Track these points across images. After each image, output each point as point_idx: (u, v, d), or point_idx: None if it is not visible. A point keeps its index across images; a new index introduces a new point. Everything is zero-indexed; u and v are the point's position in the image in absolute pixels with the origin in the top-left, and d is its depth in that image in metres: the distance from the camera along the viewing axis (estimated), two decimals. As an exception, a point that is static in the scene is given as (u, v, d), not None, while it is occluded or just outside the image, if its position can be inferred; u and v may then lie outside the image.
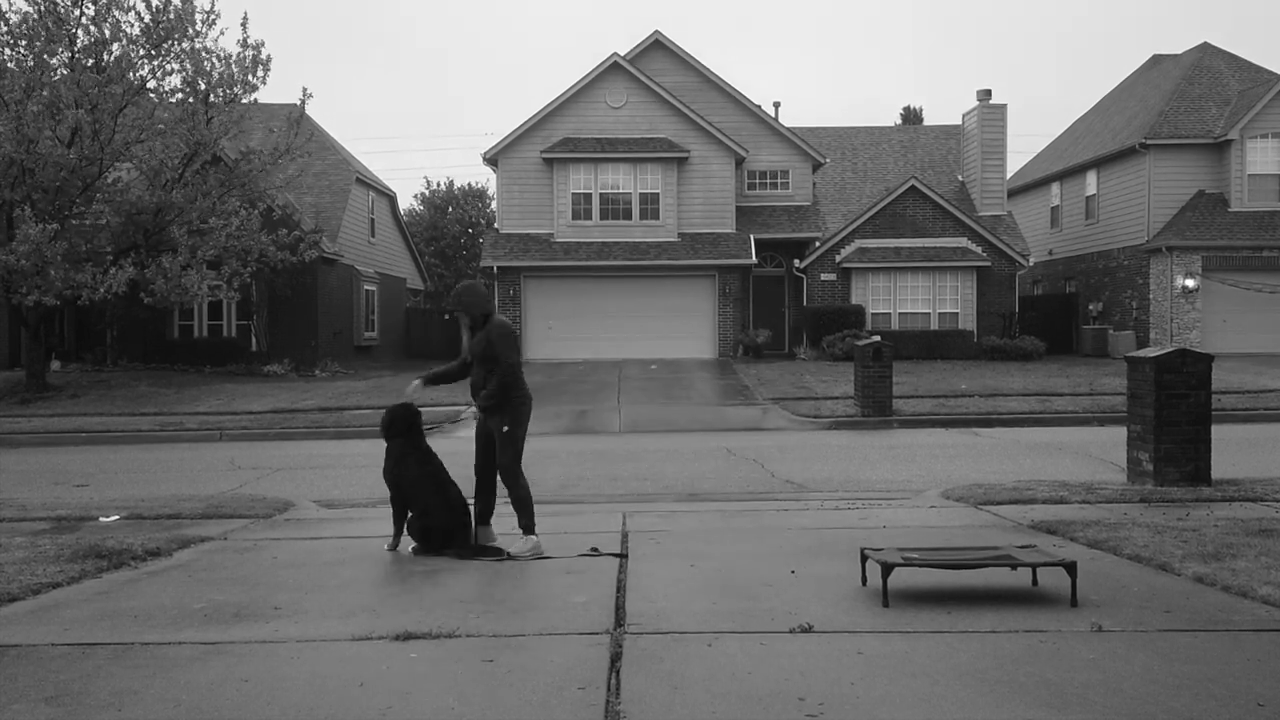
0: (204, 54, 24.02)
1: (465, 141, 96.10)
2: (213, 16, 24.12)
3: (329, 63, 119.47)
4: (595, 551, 7.29)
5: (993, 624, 5.32)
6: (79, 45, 23.41)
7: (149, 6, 23.51)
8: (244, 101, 24.73)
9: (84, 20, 23.35)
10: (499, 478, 7.47)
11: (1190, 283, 30.11)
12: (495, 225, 33.71)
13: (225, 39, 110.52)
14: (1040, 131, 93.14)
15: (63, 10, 23.03)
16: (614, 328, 30.60)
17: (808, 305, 30.64)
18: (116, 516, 9.23)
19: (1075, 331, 34.85)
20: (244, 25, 24.50)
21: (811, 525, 8.38)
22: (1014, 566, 5.94)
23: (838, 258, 30.54)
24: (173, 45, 23.77)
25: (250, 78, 24.43)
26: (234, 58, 24.31)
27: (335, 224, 32.09)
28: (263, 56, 24.51)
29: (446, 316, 39.69)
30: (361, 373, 29.68)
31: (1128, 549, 6.99)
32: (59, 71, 23.01)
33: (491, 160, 31.42)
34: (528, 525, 7.35)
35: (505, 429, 7.31)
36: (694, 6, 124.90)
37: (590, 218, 30.76)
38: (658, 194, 30.75)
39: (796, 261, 31.04)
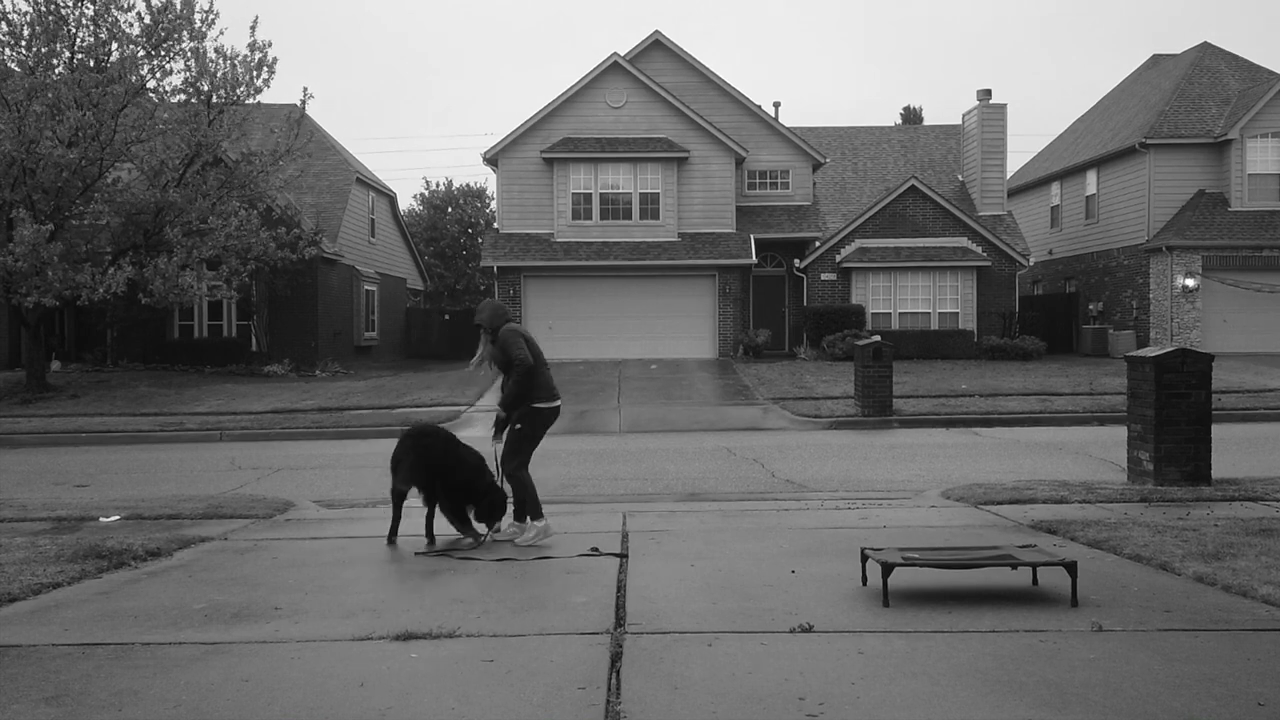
0: (211, 56, 23.99)
1: (465, 141, 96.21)
2: (211, 16, 24.12)
3: (328, 63, 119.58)
4: (595, 551, 7.31)
5: (993, 624, 5.32)
6: (79, 45, 23.39)
7: (149, 7, 23.50)
8: (247, 103, 24.72)
9: (84, 20, 23.36)
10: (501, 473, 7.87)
11: (1190, 282, 30.10)
12: (495, 225, 33.70)
13: (225, 38, 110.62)
14: (1040, 131, 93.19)
15: (64, 10, 23.01)
16: (614, 328, 30.60)
17: (808, 305, 30.62)
18: (117, 517, 9.23)
19: (1075, 331, 34.85)
20: (253, 29, 24.72)
21: (812, 525, 8.38)
22: (1014, 566, 5.94)
23: (838, 258, 30.52)
24: (173, 45, 23.75)
25: (256, 79, 24.41)
26: (239, 58, 24.30)
27: (335, 224, 32.08)
28: (269, 59, 24.51)
29: (446, 317, 39.83)
30: (361, 373, 29.68)
31: (1128, 548, 6.99)
32: (59, 71, 22.99)
33: (491, 160, 31.41)
34: (534, 511, 7.75)
35: (518, 426, 7.74)
36: (694, 6, 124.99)
37: (590, 218, 30.75)
38: (658, 194, 30.74)
39: (797, 261, 31.03)
